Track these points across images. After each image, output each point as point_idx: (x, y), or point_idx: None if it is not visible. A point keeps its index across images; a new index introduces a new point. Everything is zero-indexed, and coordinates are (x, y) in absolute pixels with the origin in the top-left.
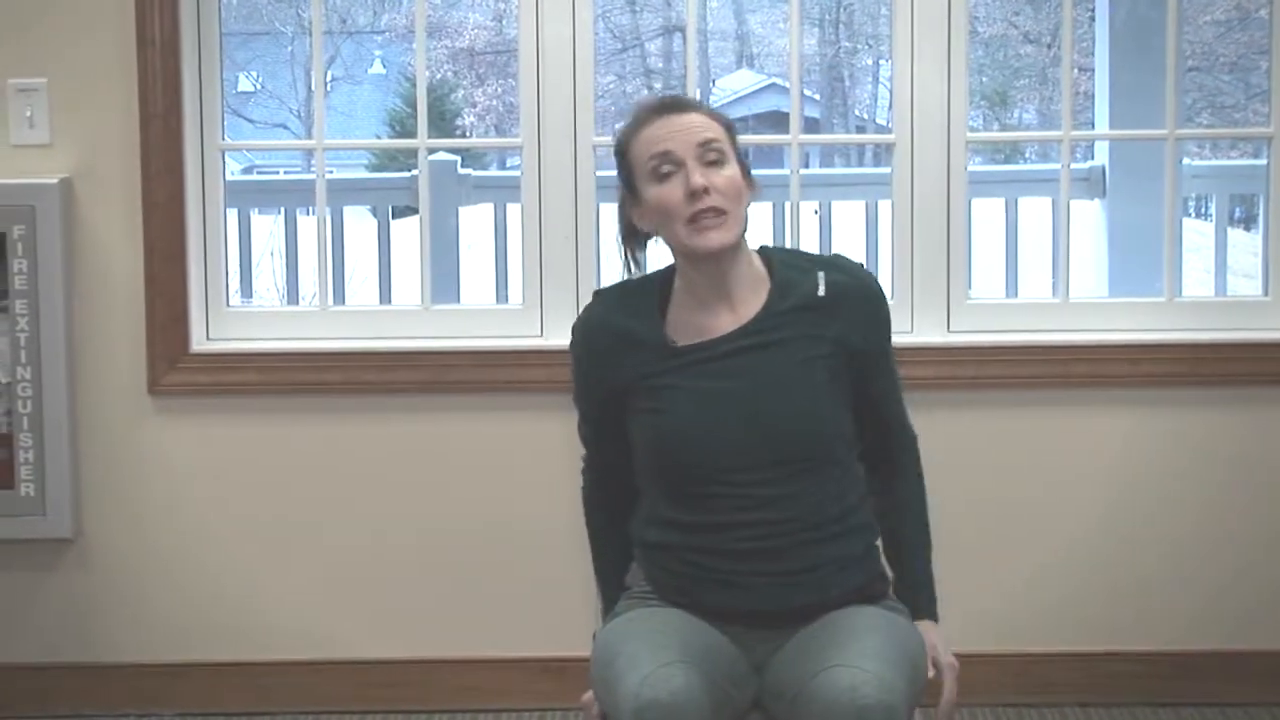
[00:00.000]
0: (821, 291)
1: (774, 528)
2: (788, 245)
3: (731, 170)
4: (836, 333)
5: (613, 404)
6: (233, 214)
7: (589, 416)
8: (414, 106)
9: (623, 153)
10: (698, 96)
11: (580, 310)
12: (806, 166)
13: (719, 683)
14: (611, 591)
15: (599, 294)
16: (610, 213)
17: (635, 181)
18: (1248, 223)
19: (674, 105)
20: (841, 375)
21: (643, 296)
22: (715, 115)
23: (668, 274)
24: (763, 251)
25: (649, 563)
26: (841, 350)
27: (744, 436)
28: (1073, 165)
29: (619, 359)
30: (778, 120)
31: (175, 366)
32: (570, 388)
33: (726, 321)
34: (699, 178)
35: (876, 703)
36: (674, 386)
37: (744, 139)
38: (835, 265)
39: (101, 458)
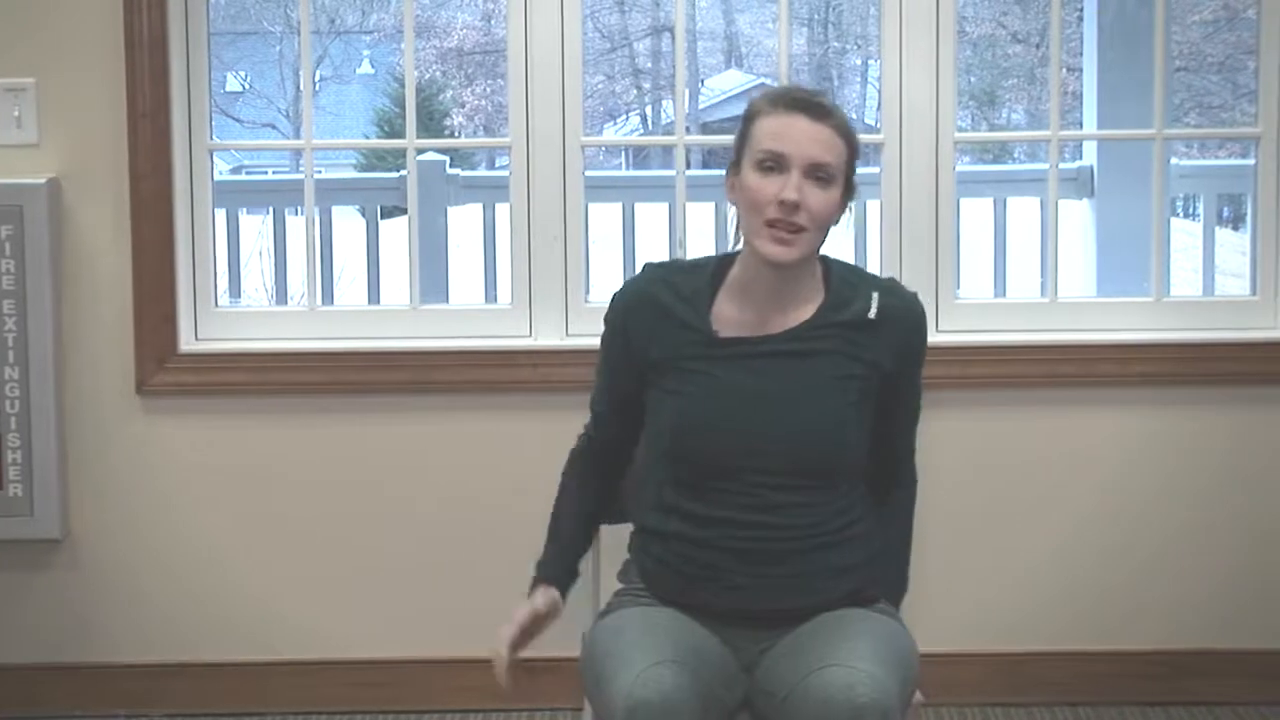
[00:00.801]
0: (873, 314)
1: (776, 532)
2: None
3: (831, 194)
4: (875, 355)
5: (638, 378)
6: (221, 214)
7: (608, 387)
8: (402, 106)
9: (748, 119)
10: (823, 101)
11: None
12: None
13: (709, 683)
14: (552, 549)
15: (648, 266)
16: (598, 212)
17: (743, 153)
18: (1235, 222)
19: (813, 109)
20: (870, 398)
21: (694, 278)
22: (846, 134)
23: (724, 263)
24: (823, 261)
25: (644, 553)
26: (876, 373)
27: (766, 438)
28: (1061, 165)
29: (657, 334)
30: None
31: (164, 367)
32: (599, 357)
33: (774, 323)
34: (794, 192)
35: (871, 702)
36: (706, 374)
37: (730, 139)
38: (890, 290)
39: (90, 458)
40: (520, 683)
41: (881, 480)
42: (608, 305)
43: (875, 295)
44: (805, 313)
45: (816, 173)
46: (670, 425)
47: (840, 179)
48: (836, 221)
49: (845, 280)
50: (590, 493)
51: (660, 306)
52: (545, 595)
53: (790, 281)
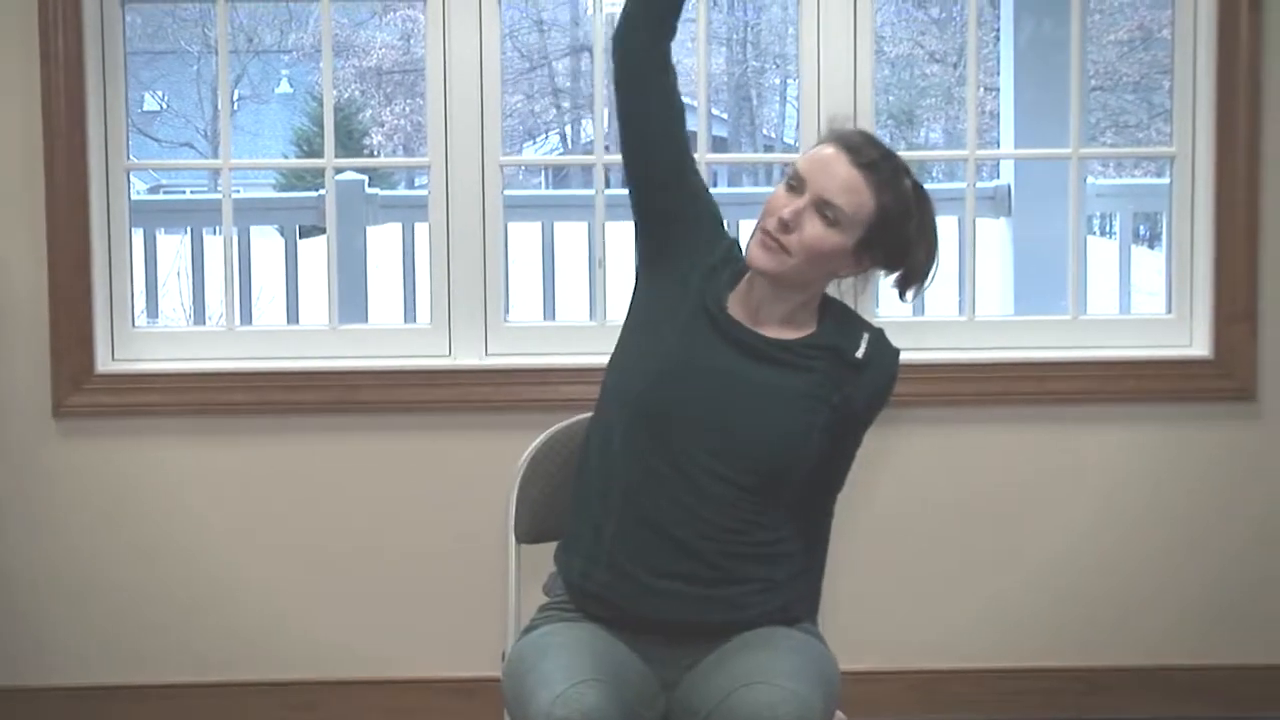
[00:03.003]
0: (860, 353)
1: (706, 527)
2: None
3: (829, 236)
4: (850, 394)
5: (682, 211)
6: (138, 234)
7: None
8: (321, 125)
9: (818, 142)
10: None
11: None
12: (715, 185)
13: (630, 701)
14: None
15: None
16: (517, 231)
17: None
18: (1151, 241)
19: (857, 153)
20: (829, 432)
21: (737, 264)
22: (880, 193)
23: None
24: (823, 298)
25: (572, 550)
26: (843, 411)
27: (730, 424)
28: (978, 184)
29: (710, 265)
30: None
31: (80, 388)
32: None
33: (766, 331)
34: (791, 212)
35: None
36: (699, 337)
37: None
38: (880, 337)
39: (5, 480)
40: None
41: (804, 510)
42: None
43: (866, 337)
44: (795, 333)
45: (824, 209)
46: (647, 376)
47: (850, 229)
48: (841, 272)
49: (840, 317)
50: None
51: (728, 257)
52: None
53: (779, 300)
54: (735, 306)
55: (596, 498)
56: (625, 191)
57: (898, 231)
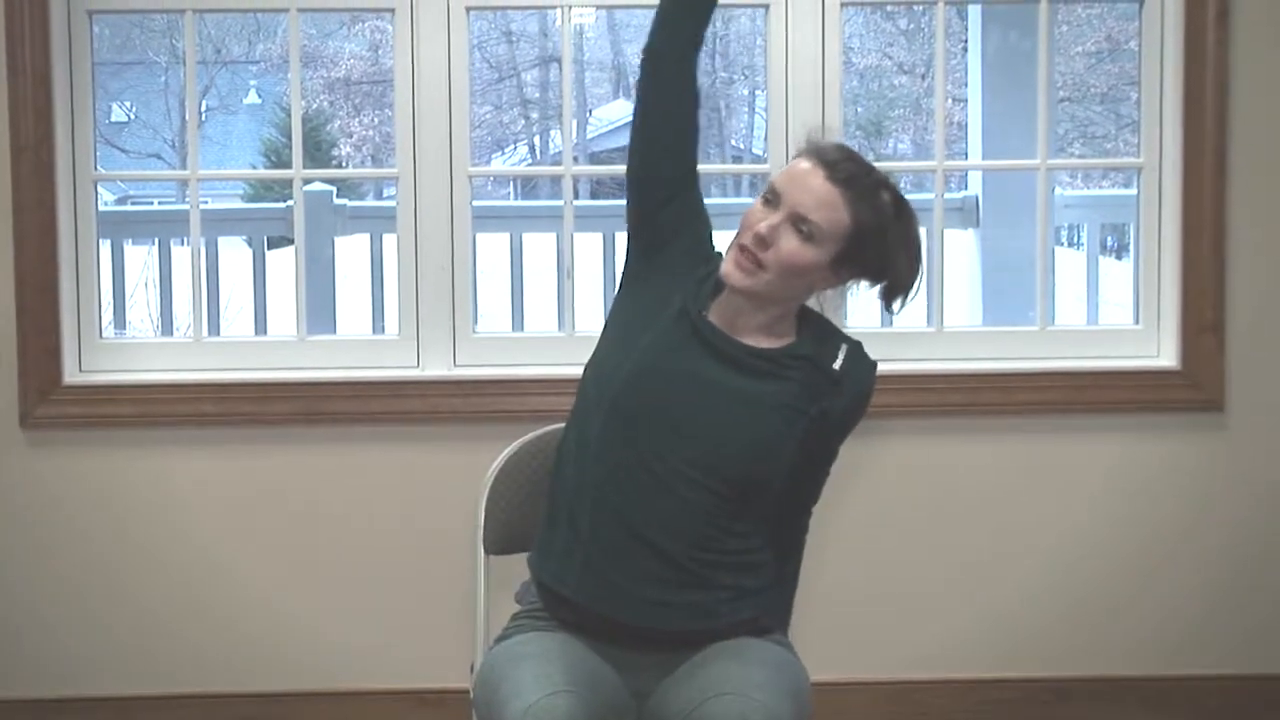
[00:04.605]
0: (838, 364)
1: (679, 533)
2: None
3: (805, 251)
4: (826, 406)
5: (668, 219)
6: (106, 245)
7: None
8: (289, 136)
9: (793, 156)
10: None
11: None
12: None
13: (602, 711)
14: None
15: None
16: (485, 242)
17: None
18: (1119, 252)
19: (833, 168)
20: (806, 441)
21: (718, 276)
22: (857, 208)
23: None
24: (801, 309)
25: (545, 559)
26: (819, 421)
27: (706, 429)
28: (946, 195)
29: (689, 269)
30: None
31: (47, 399)
32: None
33: (748, 339)
34: (766, 227)
35: None
36: (678, 341)
37: (618, 169)
38: (857, 350)
39: None
40: None
41: (778, 523)
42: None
43: (844, 349)
44: (773, 343)
45: (800, 224)
46: (624, 377)
47: (826, 244)
48: (818, 286)
49: (818, 329)
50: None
51: (708, 260)
52: None
53: (757, 311)
54: (716, 314)
55: (571, 496)
56: (594, 202)
57: (876, 246)
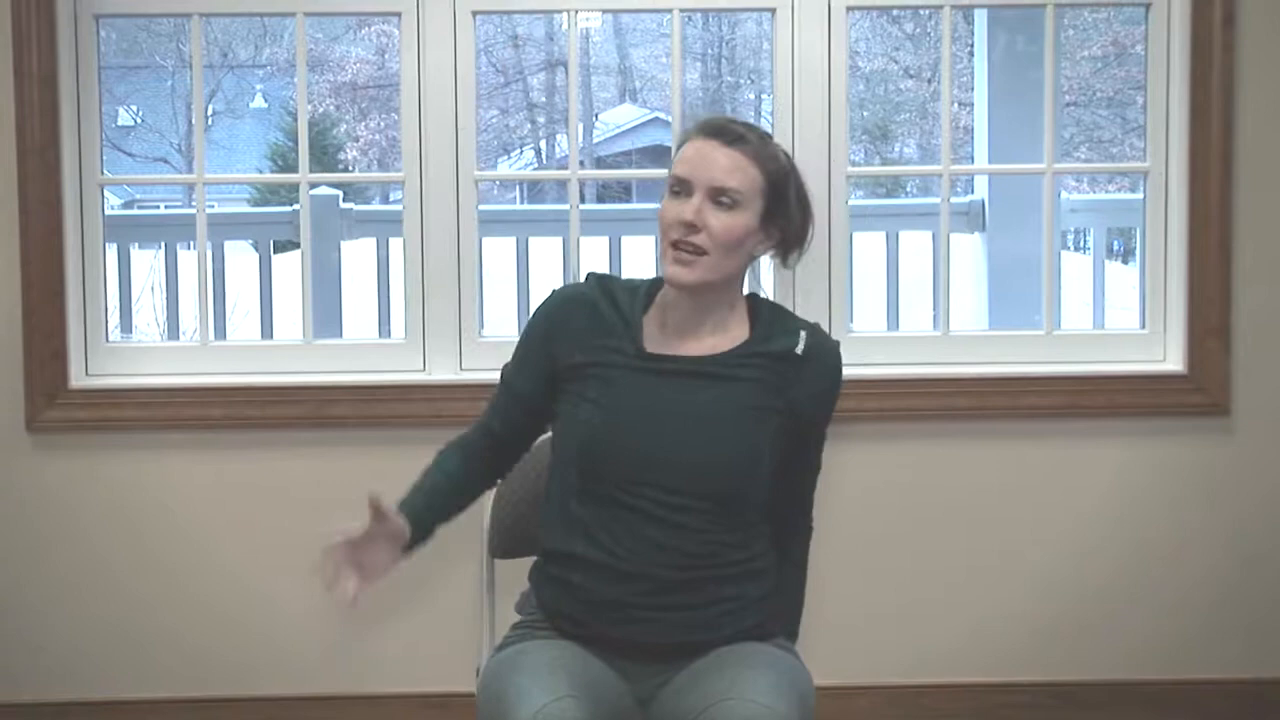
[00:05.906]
0: (800, 349)
1: (674, 557)
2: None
3: (736, 219)
4: (796, 394)
5: (552, 381)
6: (112, 249)
7: (516, 387)
8: (295, 140)
9: (676, 148)
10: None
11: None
12: None
13: (607, 717)
14: (416, 496)
15: (593, 275)
16: (491, 246)
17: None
18: (1125, 256)
19: (725, 134)
20: (783, 435)
21: (630, 294)
22: (763, 160)
23: (657, 284)
24: (751, 299)
25: (545, 580)
26: (792, 413)
27: (675, 455)
28: (953, 199)
29: (585, 338)
30: (660, 154)
31: (54, 403)
32: (517, 347)
33: (694, 347)
34: (691, 212)
35: None
36: (625, 383)
37: (624, 173)
38: (817, 332)
39: None
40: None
41: (779, 525)
42: (542, 303)
43: (803, 334)
44: (729, 342)
45: (719, 197)
46: (579, 430)
47: (750, 205)
48: (757, 250)
49: (772, 316)
50: (458, 471)
51: (595, 311)
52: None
53: (705, 309)
54: (659, 340)
55: (563, 545)
56: (600, 206)
57: (794, 190)
